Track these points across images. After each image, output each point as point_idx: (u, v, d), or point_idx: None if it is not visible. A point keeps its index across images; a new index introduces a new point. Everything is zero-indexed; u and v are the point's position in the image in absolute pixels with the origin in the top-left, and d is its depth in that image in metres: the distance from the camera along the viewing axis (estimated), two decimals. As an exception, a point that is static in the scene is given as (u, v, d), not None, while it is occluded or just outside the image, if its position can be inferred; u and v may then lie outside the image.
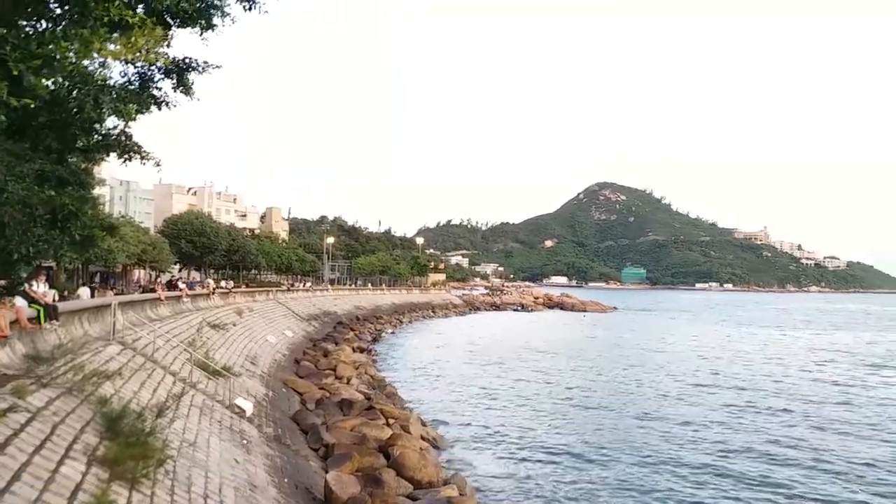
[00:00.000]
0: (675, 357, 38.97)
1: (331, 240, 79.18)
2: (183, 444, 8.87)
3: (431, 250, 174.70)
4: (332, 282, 70.87)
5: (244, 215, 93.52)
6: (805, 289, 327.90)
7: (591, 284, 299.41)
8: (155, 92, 8.95)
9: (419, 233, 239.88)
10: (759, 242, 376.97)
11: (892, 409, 23.61)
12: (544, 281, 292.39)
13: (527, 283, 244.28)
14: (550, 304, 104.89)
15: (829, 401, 24.95)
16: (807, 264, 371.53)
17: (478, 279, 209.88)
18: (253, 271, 53.44)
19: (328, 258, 74.79)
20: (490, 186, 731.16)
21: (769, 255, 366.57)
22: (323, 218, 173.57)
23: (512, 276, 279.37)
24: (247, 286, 41.98)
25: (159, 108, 9.02)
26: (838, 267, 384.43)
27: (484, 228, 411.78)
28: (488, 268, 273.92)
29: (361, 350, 34.79)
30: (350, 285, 75.82)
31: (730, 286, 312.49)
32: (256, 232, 76.57)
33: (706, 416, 21.27)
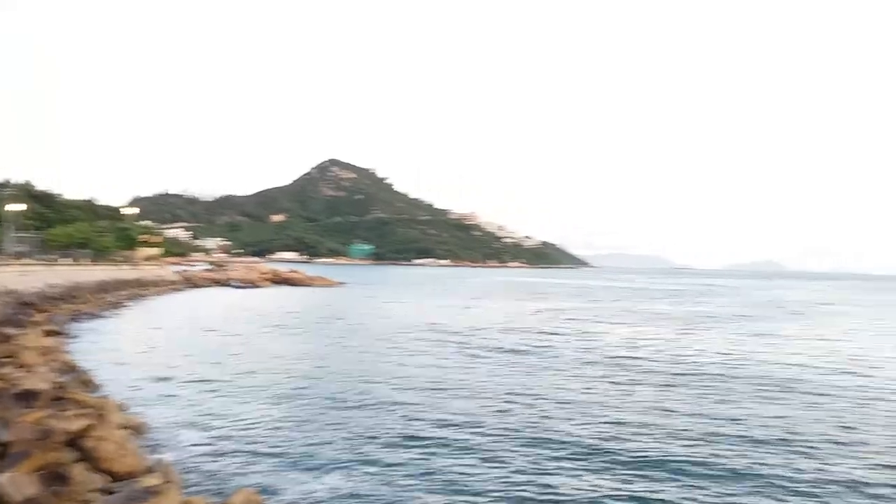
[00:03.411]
0: (394, 327, 41.16)
1: (16, 206, 67.64)
2: None
3: (146, 222, 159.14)
4: (17, 255, 60.85)
5: None
6: (506, 264, 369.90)
7: (319, 260, 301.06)
8: None
9: (132, 202, 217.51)
10: (469, 223, 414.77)
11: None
12: (272, 256, 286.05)
13: (254, 258, 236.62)
14: (278, 280, 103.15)
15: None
16: (508, 243, 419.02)
17: (200, 254, 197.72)
18: None
19: (12, 228, 63.91)
20: (215, 155, 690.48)
21: (478, 234, 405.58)
22: (6, 182, 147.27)
23: (239, 251, 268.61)
24: None
25: None
26: (533, 245, 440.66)
27: (207, 200, 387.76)
28: (211, 242, 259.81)
29: (54, 333, 30.61)
30: (42, 259, 65.78)
31: (445, 262, 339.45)
32: None
33: (425, 382, 23.04)
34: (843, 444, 16.03)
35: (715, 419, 18.12)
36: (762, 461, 14.36)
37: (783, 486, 12.97)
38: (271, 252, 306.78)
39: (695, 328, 46.11)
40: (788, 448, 15.43)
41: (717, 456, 14.68)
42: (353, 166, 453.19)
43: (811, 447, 15.58)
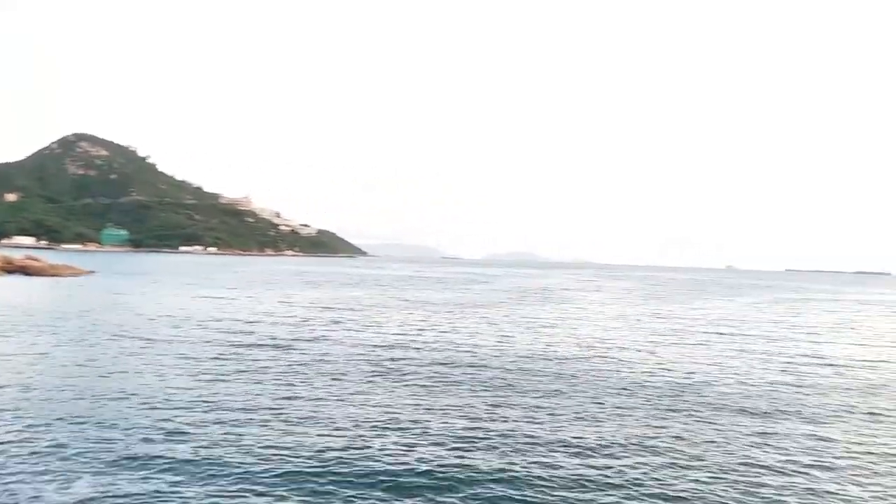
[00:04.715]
0: (146, 322, 39.32)
1: None
2: None
3: None
4: None
5: None
6: (282, 252, 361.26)
7: (65, 246, 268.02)
8: None
9: None
10: (242, 208, 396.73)
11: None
12: (6, 241, 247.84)
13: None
14: (11, 268, 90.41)
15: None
16: (284, 230, 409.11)
17: None
18: None
19: None
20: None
21: (251, 220, 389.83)
22: None
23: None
24: None
25: None
26: (310, 234, 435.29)
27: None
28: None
29: None
30: None
31: (214, 249, 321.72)
32: None
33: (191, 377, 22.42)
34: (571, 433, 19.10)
35: (474, 412, 19.34)
36: (523, 461, 15.02)
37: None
38: (5, 236, 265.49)
39: (454, 314, 50.38)
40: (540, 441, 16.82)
41: (469, 456, 15.18)
42: (107, 142, 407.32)
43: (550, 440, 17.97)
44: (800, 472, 15.00)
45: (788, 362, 31.80)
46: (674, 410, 20.43)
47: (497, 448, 15.83)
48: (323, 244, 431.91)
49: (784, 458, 16.05)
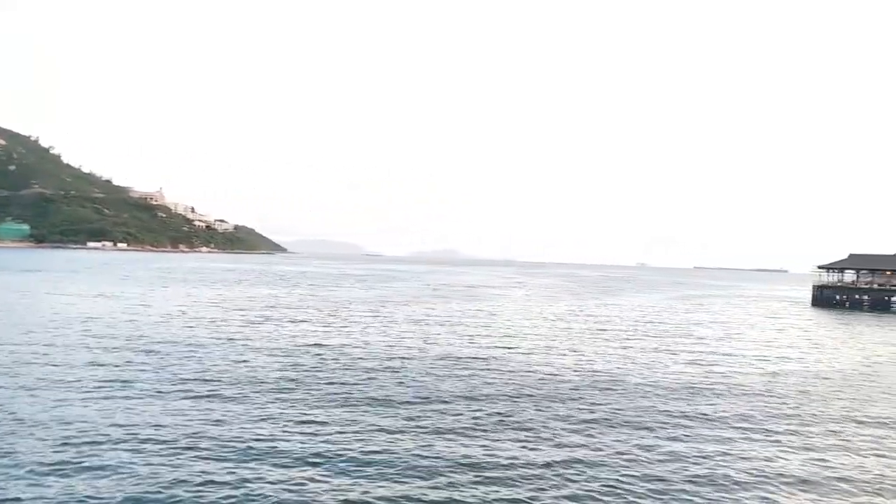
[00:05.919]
0: (43, 325, 36.84)
1: None
2: None
3: None
4: None
5: None
6: (197, 249, 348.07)
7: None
8: None
9: None
10: (154, 203, 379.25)
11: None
12: None
13: None
14: None
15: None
16: (199, 226, 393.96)
17: None
18: None
19: None
20: None
21: (164, 215, 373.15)
22: None
23: None
24: None
25: None
26: (227, 230, 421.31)
27: None
28: None
29: None
30: None
31: (124, 245, 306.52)
32: None
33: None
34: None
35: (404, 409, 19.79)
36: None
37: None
38: None
39: (373, 313, 50.09)
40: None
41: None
42: (5, 131, 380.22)
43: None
44: (711, 479, 15.43)
45: (695, 359, 33.16)
46: (592, 413, 20.71)
47: (410, 470, 14.94)
48: (240, 241, 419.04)
49: (695, 457, 16.55)
